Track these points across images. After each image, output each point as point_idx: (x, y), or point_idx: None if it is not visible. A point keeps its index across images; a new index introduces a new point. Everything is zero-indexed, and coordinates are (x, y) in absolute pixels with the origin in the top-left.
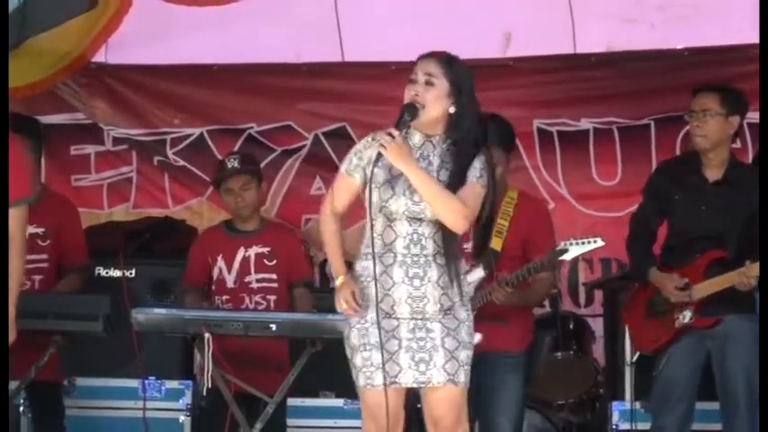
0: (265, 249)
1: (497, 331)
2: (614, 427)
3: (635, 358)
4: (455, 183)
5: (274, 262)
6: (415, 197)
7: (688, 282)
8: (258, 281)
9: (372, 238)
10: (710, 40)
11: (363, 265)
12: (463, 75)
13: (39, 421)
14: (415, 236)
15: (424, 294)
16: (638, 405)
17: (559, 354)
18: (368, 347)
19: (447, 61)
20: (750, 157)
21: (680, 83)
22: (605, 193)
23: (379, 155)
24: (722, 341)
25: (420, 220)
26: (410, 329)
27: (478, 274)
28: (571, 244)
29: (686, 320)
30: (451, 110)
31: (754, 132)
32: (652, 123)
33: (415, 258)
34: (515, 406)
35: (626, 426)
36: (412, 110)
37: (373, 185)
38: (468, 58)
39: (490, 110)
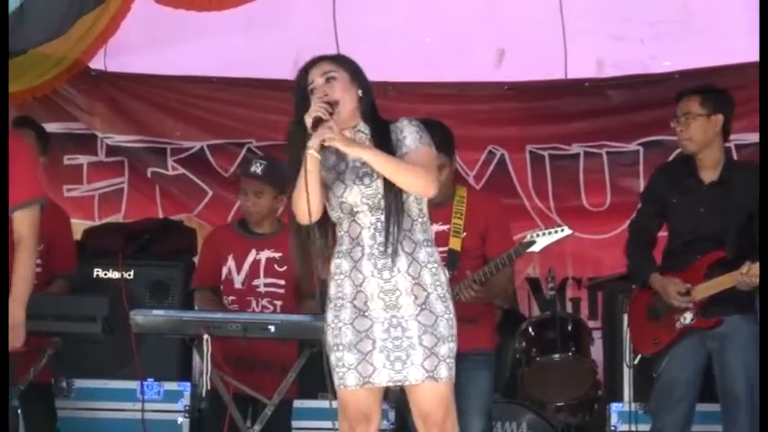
0: (277, 255)
1: (466, 331)
2: (612, 428)
3: (636, 360)
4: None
5: (285, 268)
6: (365, 180)
7: (690, 287)
8: (266, 285)
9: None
10: (701, 55)
11: (336, 263)
12: (350, 60)
13: (31, 423)
14: (378, 224)
15: (395, 287)
16: (636, 406)
17: (557, 355)
18: (340, 347)
19: (333, 56)
20: None
21: (668, 106)
22: (595, 219)
23: (324, 145)
24: (722, 342)
25: (379, 207)
26: (385, 329)
27: None
28: (538, 235)
29: (687, 322)
30: (360, 93)
31: (742, 155)
32: (641, 149)
33: (382, 249)
34: (485, 402)
35: (624, 427)
36: (330, 106)
37: (327, 189)
38: (463, 81)
39: (485, 132)
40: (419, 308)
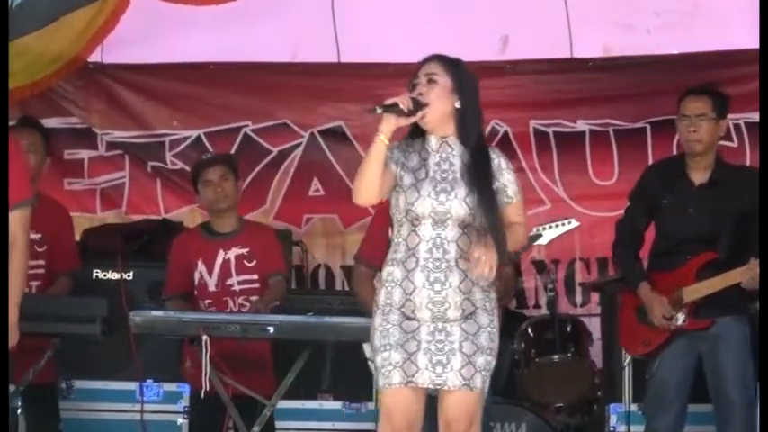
0: (245, 250)
1: None
2: (611, 429)
3: (626, 362)
4: (489, 194)
5: (254, 262)
6: (440, 197)
7: (674, 314)
8: (240, 283)
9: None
10: (706, 45)
11: (388, 270)
12: (465, 72)
13: (34, 424)
14: (438, 240)
15: (444, 299)
16: (635, 407)
17: (557, 356)
18: (387, 347)
19: (448, 60)
20: (747, 157)
21: (676, 86)
22: (602, 193)
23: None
24: (715, 343)
25: (444, 223)
26: (430, 332)
27: None
28: (545, 228)
29: (679, 323)
30: (457, 104)
31: (752, 132)
32: (648, 127)
33: (437, 263)
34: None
35: (623, 428)
36: (416, 104)
37: (399, 189)
38: (465, 61)
39: (488, 109)
40: (465, 317)
